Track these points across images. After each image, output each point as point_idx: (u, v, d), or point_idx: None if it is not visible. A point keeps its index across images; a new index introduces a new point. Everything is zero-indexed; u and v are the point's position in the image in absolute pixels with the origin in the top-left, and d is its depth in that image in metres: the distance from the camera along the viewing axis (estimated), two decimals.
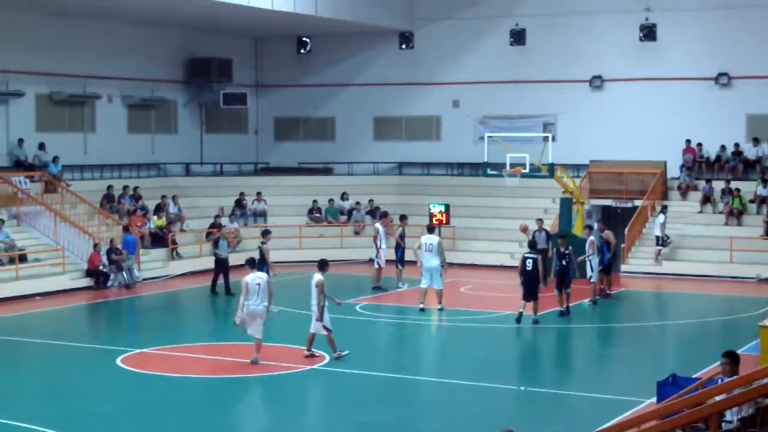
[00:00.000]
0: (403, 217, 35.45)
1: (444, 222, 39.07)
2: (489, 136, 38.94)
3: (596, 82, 43.74)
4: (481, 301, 32.58)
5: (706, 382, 14.74)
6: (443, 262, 30.15)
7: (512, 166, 37.28)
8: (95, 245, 35.19)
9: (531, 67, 44.65)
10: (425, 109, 47.08)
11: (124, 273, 35.21)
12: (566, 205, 37.54)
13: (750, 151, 41.43)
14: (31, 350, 25.34)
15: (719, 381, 13.28)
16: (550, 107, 44.35)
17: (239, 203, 42.85)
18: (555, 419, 18.96)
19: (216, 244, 33.82)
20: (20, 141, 38.67)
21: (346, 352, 22.91)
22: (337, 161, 47.98)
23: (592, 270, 31.21)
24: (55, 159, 38.58)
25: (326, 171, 48.03)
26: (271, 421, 19.17)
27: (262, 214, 43.26)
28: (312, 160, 48.39)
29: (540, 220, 35.51)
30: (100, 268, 34.95)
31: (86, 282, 34.84)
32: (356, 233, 43.02)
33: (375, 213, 42.10)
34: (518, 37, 44.81)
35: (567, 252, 29.14)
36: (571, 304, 29.32)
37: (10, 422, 17.85)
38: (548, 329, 27.54)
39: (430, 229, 31.39)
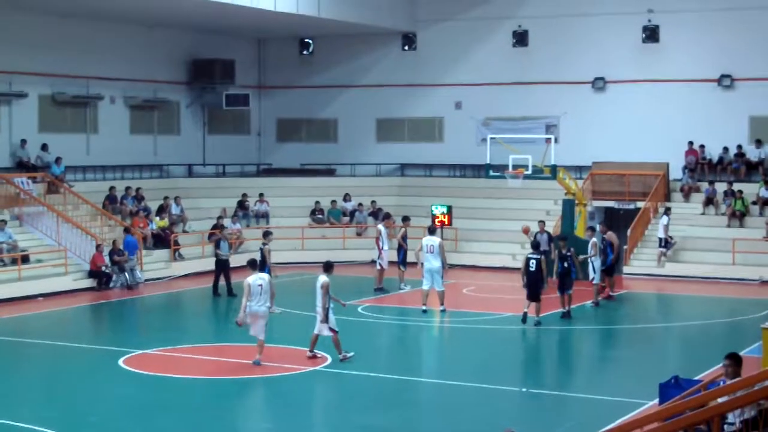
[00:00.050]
0: (405, 219, 35.45)
1: (446, 223, 39.05)
2: (491, 138, 38.90)
3: (599, 83, 43.74)
4: (483, 303, 32.57)
5: (708, 384, 14.74)
6: (444, 264, 30.14)
7: (515, 167, 37.24)
8: (97, 246, 35.21)
9: (534, 68, 44.66)
10: (428, 111, 47.08)
11: (126, 274, 35.22)
12: (568, 207, 37.52)
13: (752, 153, 41.41)
14: (34, 351, 25.31)
15: (722, 383, 13.28)
16: (553, 109, 44.34)
17: (241, 204, 42.87)
18: (557, 421, 18.96)
19: (217, 245, 33.82)
20: (23, 142, 38.69)
21: (351, 354, 22.90)
22: (339, 162, 47.98)
23: (594, 272, 31.21)
24: (57, 160, 38.60)
25: (329, 172, 48.02)
26: (273, 422, 19.15)
27: (265, 216, 43.27)
28: (314, 162, 48.40)
29: (542, 222, 35.49)
30: (103, 269, 34.97)
31: (88, 283, 34.85)
32: (358, 234, 43.02)
33: (377, 214, 42.10)
34: (521, 38, 44.83)
35: (569, 254, 29.11)
36: (573, 306, 29.34)
37: (12, 423, 17.85)
38: (550, 331, 27.52)
39: (431, 231, 31.36)
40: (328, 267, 23.34)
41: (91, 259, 35.04)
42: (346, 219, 43.86)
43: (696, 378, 18.42)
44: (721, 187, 40.35)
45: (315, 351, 23.21)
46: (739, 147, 41.52)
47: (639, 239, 39.58)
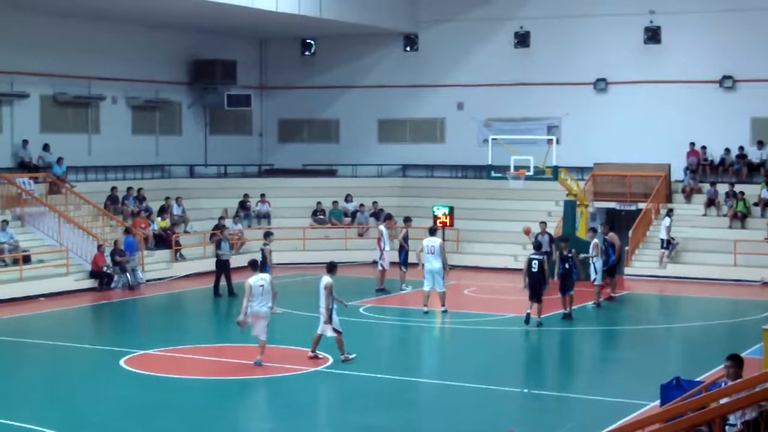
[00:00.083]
0: (407, 219, 35.45)
1: (448, 224, 39.04)
2: (493, 139, 38.91)
3: (600, 84, 43.74)
4: (484, 304, 32.56)
5: (709, 385, 14.74)
6: (445, 265, 30.14)
7: (516, 168, 37.23)
8: (99, 246, 35.22)
9: (535, 69, 44.66)
10: (429, 112, 47.09)
11: (127, 274, 35.22)
12: (570, 208, 37.51)
13: (754, 154, 41.42)
14: (35, 351, 25.32)
15: (723, 384, 13.27)
16: (555, 110, 44.34)
17: (243, 205, 42.88)
18: (558, 422, 18.96)
19: (218, 246, 33.82)
20: (24, 142, 38.70)
21: (353, 356, 22.88)
22: (341, 163, 47.99)
23: (596, 272, 31.20)
24: (59, 160, 38.61)
25: (330, 173, 48.02)
26: (274, 422, 19.15)
27: (266, 216, 43.28)
28: (316, 162, 48.41)
29: (543, 223, 35.46)
30: (104, 269, 34.98)
31: (90, 283, 34.86)
32: (360, 235, 43.02)
33: (379, 215, 42.11)
34: (522, 39, 44.84)
35: (570, 255, 29.10)
36: (574, 307, 29.34)
37: (13, 423, 17.86)
38: (552, 332, 27.52)
39: (432, 232, 31.34)
40: (331, 268, 23.33)
41: (92, 259, 35.06)
42: (348, 220, 43.87)
43: (697, 379, 18.41)
44: (722, 189, 40.34)
45: (317, 352, 23.21)
46: (741, 148, 41.51)
47: (640, 240, 39.57)
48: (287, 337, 25.45)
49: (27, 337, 27.06)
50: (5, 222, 34.38)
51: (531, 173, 36.92)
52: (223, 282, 33.17)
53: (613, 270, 32.93)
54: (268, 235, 31.62)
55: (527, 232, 35.64)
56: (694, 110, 42.05)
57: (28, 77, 39.04)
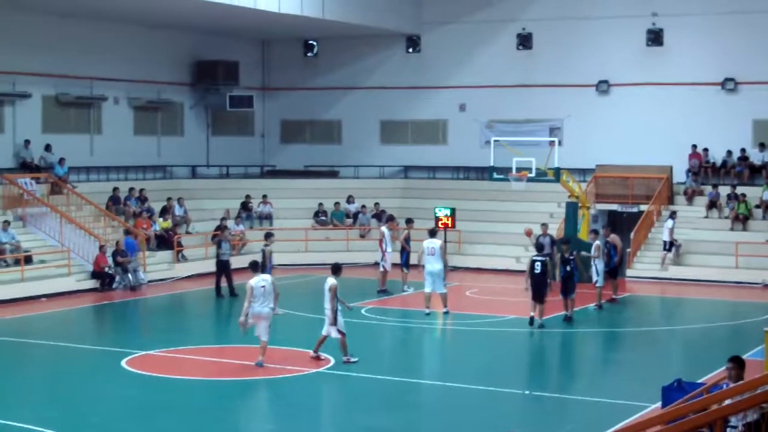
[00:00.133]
0: (409, 221, 35.42)
1: (450, 226, 39.05)
2: (495, 140, 38.89)
3: (603, 86, 43.73)
4: (486, 305, 32.55)
5: (711, 387, 14.73)
6: (446, 266, 30.12)
7: (518, 170, 37.22)
8: (101, 247, 35.23)
9: (538, 71, 44.65)
10: (432, 113, 47.09)
11: (129, 275, 35.22)
12: (572, 210, 37.51)
13: (756, 157, 41.40)
14: (36, 352, 25.32)
15: (725, 386, 13.26)
16: (557, 111, 44.33)
17: (245, 206, 42.89)
18: (560, 423, 18.96)
19: (219, 246, 33.82)
20: (26, 142, 38.70)
21: (355, 359, 22.84)
22: (343, 164, 47.99)
23: (597, 274, 31.18)
24: (61, 160, 38.62)
25: (332, 174, 48.02)
26: (275, 424, 19.14)
27: (268, 217, 43.29)
28: (318, 163, 48.41)
29: (545, 225, 35.44)
30: (106, 270, 34.98)
31: (91, 284, 34.87)
32: (362, 236, 43.02)
33: (381, 216, 42.11)
34: (525, 41, 44.84)
35: (571, 258, 29.07)
36: (576, 309, 29.31)
37: (14, 424, 17.85)
38: (553, 333, 27.50)
39: (432, 233, 31.26)
40: (336, 269, 23.31)
41: (94, 260, 35.07)
42: (350, 221, 43.86)
43: (699, 381, 18.41)
44: (724, 191, 40.34)
45: (319, 353, 23.20)
46: (743, 150, 41.50)
47: (642, 242, 39.57)
48: (289, 338, 25.45)
49: (28, 338, 27.06)
50: (7, 222, 34.40)
51: (533, 175, 36.91)
52: (223, 283, 33.18)
53: (614, 272, 32.92)
54: (268, 236, 31.61)
55: (528, 233, 35.65)
56: (696, 112, 42.05)
57: (30, 77, 39.05)
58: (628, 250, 38.18)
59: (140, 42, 43.49)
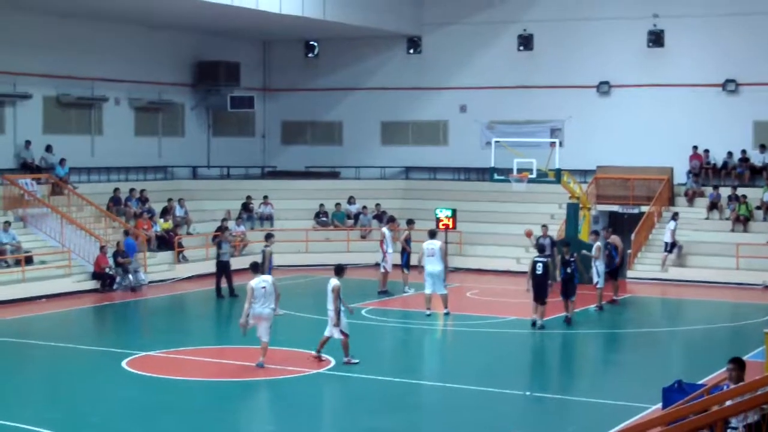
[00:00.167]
0: (410, 222, 35.41)
1: (450, 227, 39.04)
2: (496, 141, 38.88)
3: (603, 87, 43.72)
4: (487, 306, 32.54)
5: (711, 388, 14.72)
6: (446, 267, 30.10)
7: (519, 171, 37.19)
8: (101, 248, 35.22)
9: (539, 72, 44.64)
10: (432, 114, 47.09)
11: (130, 276, 35.22)
12: (573, 211, 37.51)
13: (757, 158, 41.39)
14: (37, 352, 25.33)
15: (725, 387, 13.25)
16: (558, 113, 44.34)
17: (246, 207, 42.89)
18: (561, 425, 18.97)
19: (219, 247, 33.82)
20: (27, 143, 38.69)
21: (356, 361, 22.82)
22: (344, 165, 47.98)
23: (598, 275, 31.17)
24: (62, 161, 38.61)
25: (333, 175, 48.01)
26: (276, 425, 19.15)
27: (269, 218, 43.29)
28: (319, 164, 48.40)
29: (545, 227, 35.47)
30: (106, 270, 34.98)
31: (92, 284, 34.87)
32: (363, 237, 43.02)
33: (382, 217, 42.11)
34: (526, 42, 44.84)
35: (572, 260, 29.04)
36: (577, 310, 29.31)
37: (15, 424, 17.85)
38: (554, 335, 27.50)
39: (432, 234, 31.25)
40: (339, 270, 23.28)
41: (94, 260, 35.07)
42: (351, 222, 43.86)
43: (699, 382, 18.40)
44: (725, 192, 40.35)
45: (320, 354, 23.17)
46: (744, 152, 41.50)
47: (643, 243, 39.57)
48: (289, 339, 25.45)
49: (29, 338, 27.04)
50: (7, 223, 34.40)
51: (534, 176, 36.90)
52: (223, 283, 33.17)
53: (615, 273, 32.92)
54: (269, 237, 31.62)
55: (529, 234, 35.65)
56: (697, 114, 42.05)
57: (31, 78, 39.04)
58: (629, 251, 38.19)
59: (141, 43, 43.48)
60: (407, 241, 34.55)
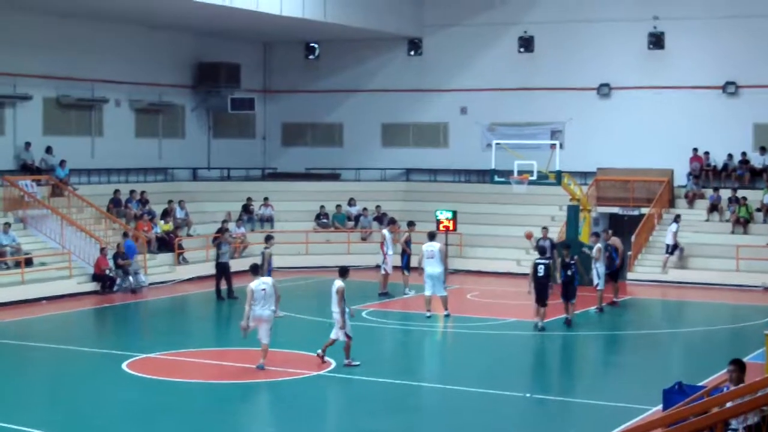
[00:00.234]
0: (410, 224, 35.39)
1: (451, 229, 39.03)
2: (497, 143, 38.88)
3: (604, 89, 43.74)
4: (487, 308, 32.52)
5: (712, 390, 14.73)
6: (446, 269, 30.10)
7: (519, 173, 37.18)
8: (102, 249, 35.21)
9: (539, 74, 44.66)
10: (433, 116, 47.10)
11: (130, 277, 35.21)
12: (573, 213, 37.51)
13: (757, 160, 41.42)
14: (37, 354, 25.32)
15: (725, 389, 13.25)
16: (558, 115, 44.36)
17: (246, 208, 42.89)
18: (561, 427, 18.97)
19: (219, 248, 33.81)
20: (27, 144, 38.67)
21: (357, 363, 22.81)
22: (344, 167, 47.99)
23: (598, 277, 31.17)
24: (62, 163, 38.60)
25: (334, 177, 48.02)
26: (276, 426, 19.14)
27: (269, 220, 43.29)
28: (319, 166, 48.40)
29: (545, 228, 35.46)
30: (107, 272, 34.96)
31: (92, 286, 34.86)
32: (363, 239, 43.03)
33: (382, 219, 42.12)
34: (527, 44, 44.85)
35: (572, 262, 29.03)
36: (577, 311, 29.30)
37: (15, 427, 17.84)
38: (554, 336, 27.49)
39: (432, 236, 31.24)
40: (343, 272, 23.25)
41: (95, 262, 35.06)
42: (351, 224, 43.87)
43: (700, 384, 18.42)
44: (725, 194, 40.36)
45: (324, 355, 23.15)
46: (744, 154, 41.52)
47: (643, 245, 39.57)
48: (290, 341, 25.45)
49: (29, 341, 27.01)
50: (7, 224, 34.40)
51: (534, 178, 36.89)
52: (223, 285, 33.16)
53: (615, 275, 32.92)
54: (269, 238, 31.62)
55: (529, 236, 35.64)
56: (698, 116, 42.07)
57: (31, 79, 39.03)
58: (629, 253, 38.19)
59: (141, 44, 43.48)
60: (407, 242, 34.55)
